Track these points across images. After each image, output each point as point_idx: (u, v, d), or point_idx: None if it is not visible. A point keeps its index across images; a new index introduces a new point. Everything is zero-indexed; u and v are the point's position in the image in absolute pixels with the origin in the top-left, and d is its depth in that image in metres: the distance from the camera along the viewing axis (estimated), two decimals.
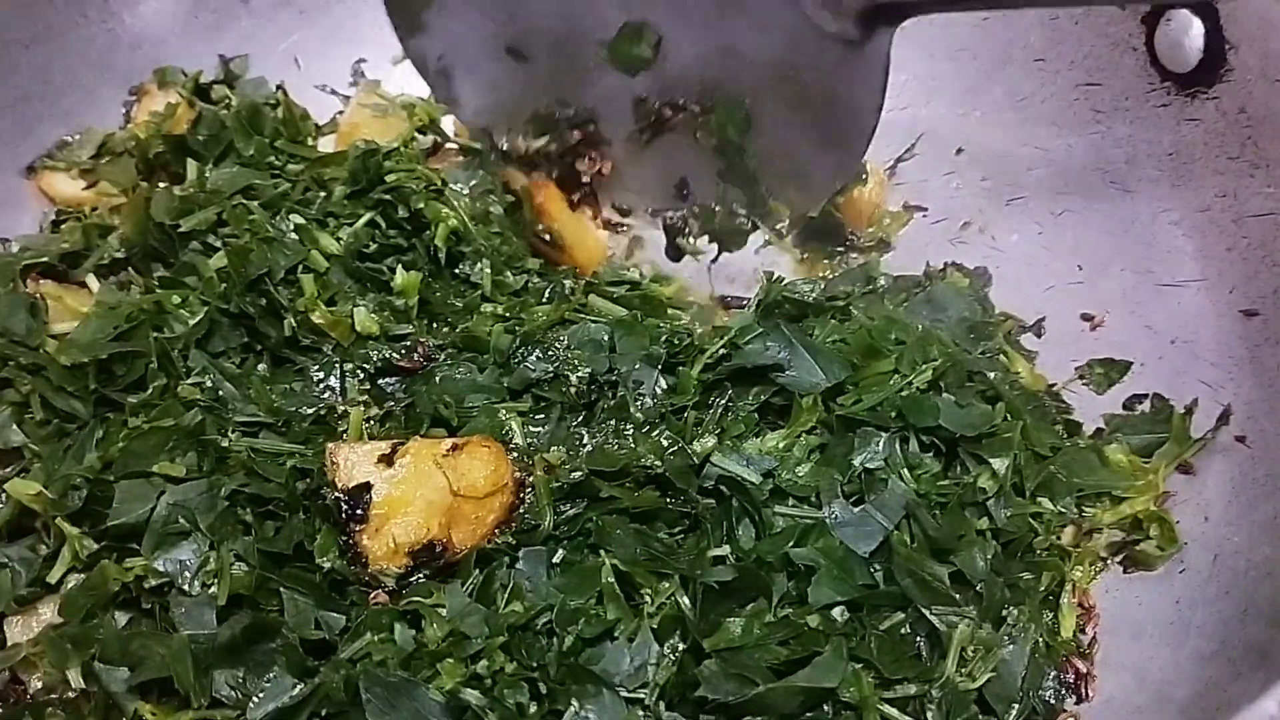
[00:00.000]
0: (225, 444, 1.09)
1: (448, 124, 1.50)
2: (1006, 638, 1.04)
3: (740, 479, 1.08)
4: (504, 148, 1.40)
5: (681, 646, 1.00)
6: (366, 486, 1.01)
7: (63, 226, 1.37)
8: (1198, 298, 1.20)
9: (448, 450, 1.05)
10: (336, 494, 1.01)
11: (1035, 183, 1.36)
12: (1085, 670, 1.09)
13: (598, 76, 1.30)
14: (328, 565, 1.02)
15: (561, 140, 1.38)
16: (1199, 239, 1.20)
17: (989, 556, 1.06)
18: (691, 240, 1.42)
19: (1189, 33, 1.15)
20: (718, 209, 1.38)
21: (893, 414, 1.12)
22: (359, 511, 1.00)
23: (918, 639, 1.05)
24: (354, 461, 1.02)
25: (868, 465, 1.10)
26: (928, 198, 1.42)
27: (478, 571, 1.03)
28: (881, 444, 1.11)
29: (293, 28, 1.50)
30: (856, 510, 1.07)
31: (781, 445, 1.13)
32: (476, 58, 1.35)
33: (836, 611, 1.03)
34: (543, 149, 1.39)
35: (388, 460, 1.03)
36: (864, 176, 1.41)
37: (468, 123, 1.42)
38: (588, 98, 1.33)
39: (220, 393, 1.15)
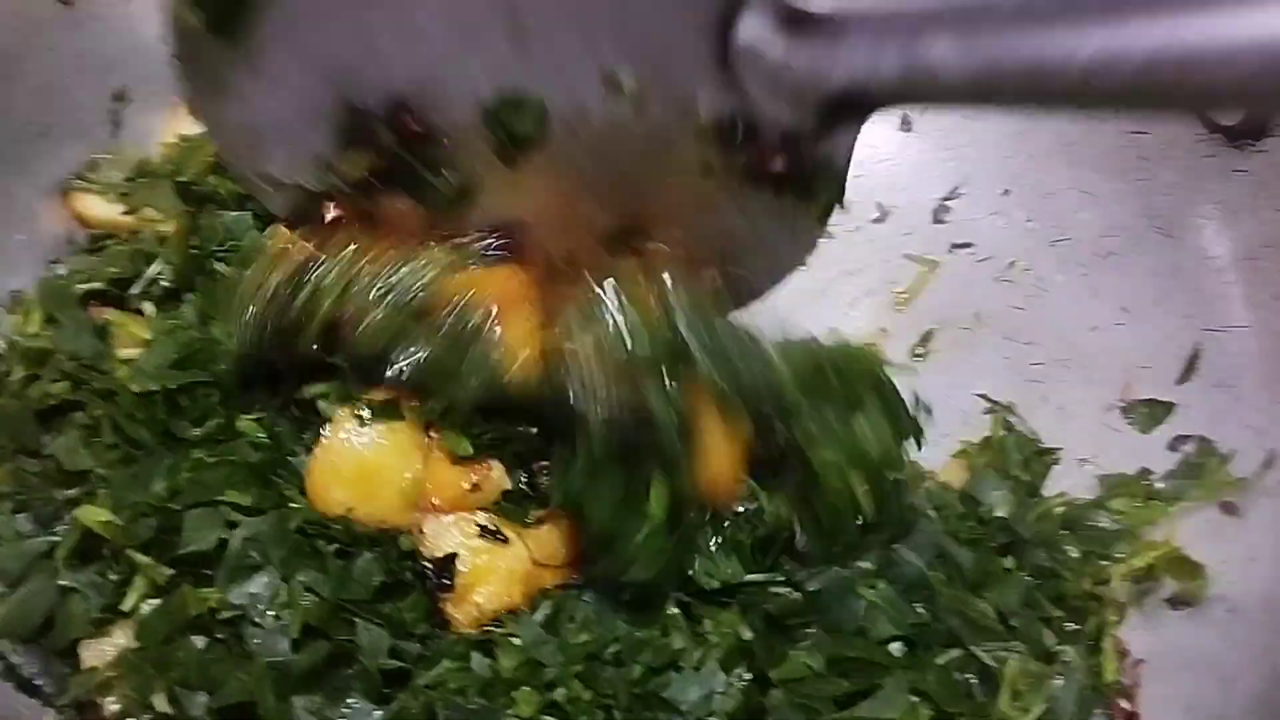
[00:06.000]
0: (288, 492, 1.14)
1: None
2: (1058, 675, 1.10)
3: None
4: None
5: (747, 676, 1.06)
6: (452, 557, 1.08)
7: (106, 251, 1.39)
8: (1243, 343, 1.27)
9: (531, 521, 1.12)
10: (423, 564, 1.08)
11: (1081, 225, 1.43)
12: (1131, 709, 1.15)
13: None
14: (420, 631, 1.08)
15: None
16: (1244, 286, 1.28)
17: (1021, 592, 1.13)
18: None
19: None
20: None
21: None
22: (445, 581, 1.07)
23: (969, 676, 1.11)
24: (439, 532, 1.09)
25: None
26: (975, 235, 1.49)
27: (548, 603, 1.09)
28: None
29: None
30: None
31: None
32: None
33: (894, 647, 1.10)
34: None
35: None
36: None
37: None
38: None
39: (277, 428, 1.18)
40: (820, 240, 1.05)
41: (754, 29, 0.85)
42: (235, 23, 0.93)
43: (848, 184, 0.98)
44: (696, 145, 0.93)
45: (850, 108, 0.84)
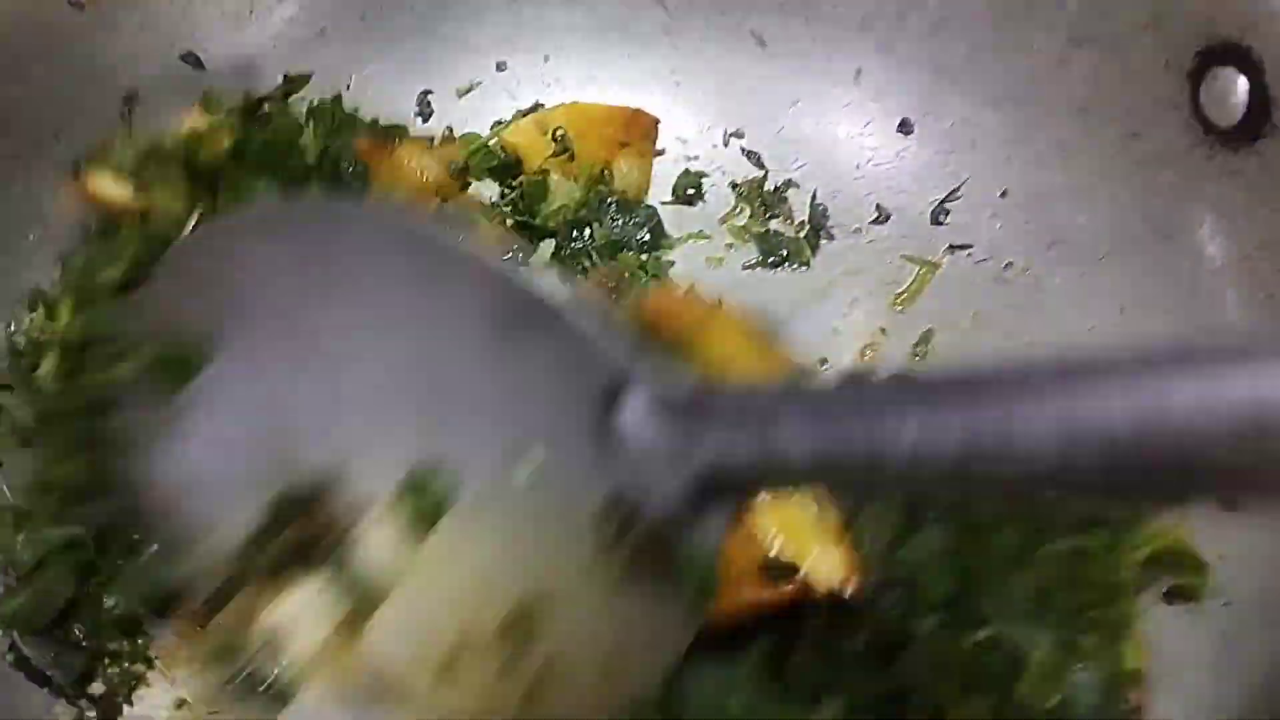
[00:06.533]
0: None
1: None
2: (1079, 665, 1.12)
3: None
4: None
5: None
6: None
7: (119, 236, 1.35)
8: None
9: None
10: None
11: (1078, 227, 1.47)
12: (1138, 700, 1.18)
13: None
14: None
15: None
16: (1240, 287, 1.31)
17: (1050, 574, 1.15)
18: None
19: (1234, 92, 1.25)
20: None
21: None
22: None
23: (995, 656, 1.13)
24: None
25: None
26: (973, 237, 1.53)
27: None
28: None
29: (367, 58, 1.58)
30: None
31: None
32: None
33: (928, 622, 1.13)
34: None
35: None
36: None
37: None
38: None
39: None
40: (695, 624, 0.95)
41: (633, 410, 0.88)
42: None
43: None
44: (588, 531, 0.92)
45: (715, 491, 0.86)
